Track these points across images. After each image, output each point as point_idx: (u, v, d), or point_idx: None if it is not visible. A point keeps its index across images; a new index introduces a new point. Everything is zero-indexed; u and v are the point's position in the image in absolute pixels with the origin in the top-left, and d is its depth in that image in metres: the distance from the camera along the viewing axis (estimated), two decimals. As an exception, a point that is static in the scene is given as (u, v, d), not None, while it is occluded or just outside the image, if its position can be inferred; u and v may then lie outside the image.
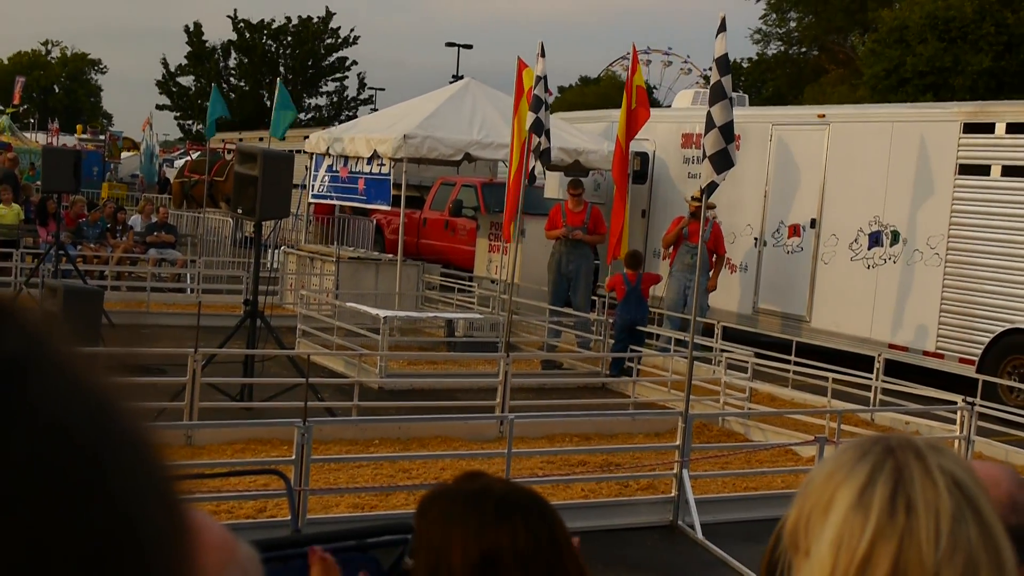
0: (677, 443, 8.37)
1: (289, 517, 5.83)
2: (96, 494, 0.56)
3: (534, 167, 12.49)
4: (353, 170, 17.22)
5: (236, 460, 8.02)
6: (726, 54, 9.14)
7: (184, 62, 52.71)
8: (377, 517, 7.29)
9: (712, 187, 8.98)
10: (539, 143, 12.08)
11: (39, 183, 19.25)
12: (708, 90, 9.35)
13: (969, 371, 13.29)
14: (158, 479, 0.62)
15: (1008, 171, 13.60)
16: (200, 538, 1.53)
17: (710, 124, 8.85)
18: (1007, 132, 13.65)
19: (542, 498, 2.30)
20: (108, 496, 0.57)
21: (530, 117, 12.10)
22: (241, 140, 30.56)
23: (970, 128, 14.03)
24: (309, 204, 21.36)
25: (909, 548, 1.39)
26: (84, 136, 47.09)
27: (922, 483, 1.43)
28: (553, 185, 19.74)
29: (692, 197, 15.31)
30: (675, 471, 8.29)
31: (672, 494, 8.27)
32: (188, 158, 27.39)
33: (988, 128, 13.88)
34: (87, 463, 0.57)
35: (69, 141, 45.07)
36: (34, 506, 0.53)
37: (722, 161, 8.85)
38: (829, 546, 1.43)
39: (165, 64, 52.89)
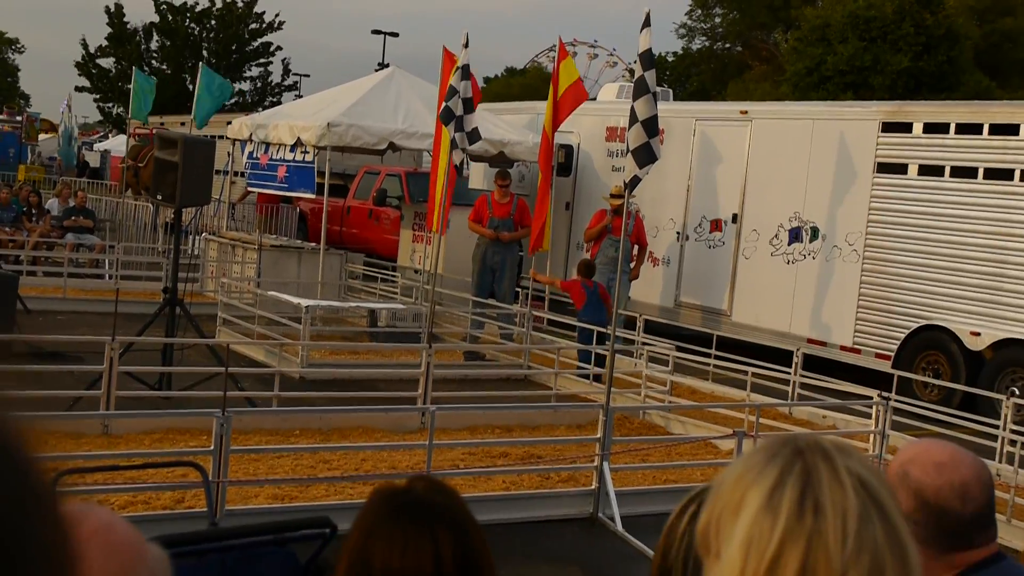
0: (598, 436, 8.41)
1: (207, 508, 5.77)
2: None
3: (461, 160, 12.45)
4: (274, 157, 17.06)
5: (154, 451, 7.91)
6: (650, 49, 9.17)
7: (105, 43, 51.83)
8: (296, 509, 7.24)
9: (635, 181, 9.02)
10: (453, 137, 12.05)
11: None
12: (632, 84, 9.38)
13: (885, 366, 13.51)
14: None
15: (924, 170, 13.84)
16: (106, 538, 1.50)
17: (634, 118, 8.89)
18: (924, 132, 13.89)
19: (466, 510, 2.32)
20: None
21: (443, 107, 12.10)
22: (162, 124, 30.14)
23: (888, 127, 14.26)
24: (248, 192, 21.12)
25: (817, 549, 1.41)
26: (1, 117, 46.18)
27: (830, 485, 1.45)
28: (478, 175, 19.75)
29: (611, 194, 15.41)
30: (596, 464, 8.33)
31: (593, 486, 8.31)
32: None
33: (906, 127, 14.11)
34: None
35: (-15, 122, 44.18)
36: None
37: (645, 155, 8.89)
38: (739, 547, 1.44)
39: (85, 45, 51.98)
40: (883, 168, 14.26)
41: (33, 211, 19.64)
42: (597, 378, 12.14)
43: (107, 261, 18.31)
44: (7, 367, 9.84)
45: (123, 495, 7.10)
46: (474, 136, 12.24)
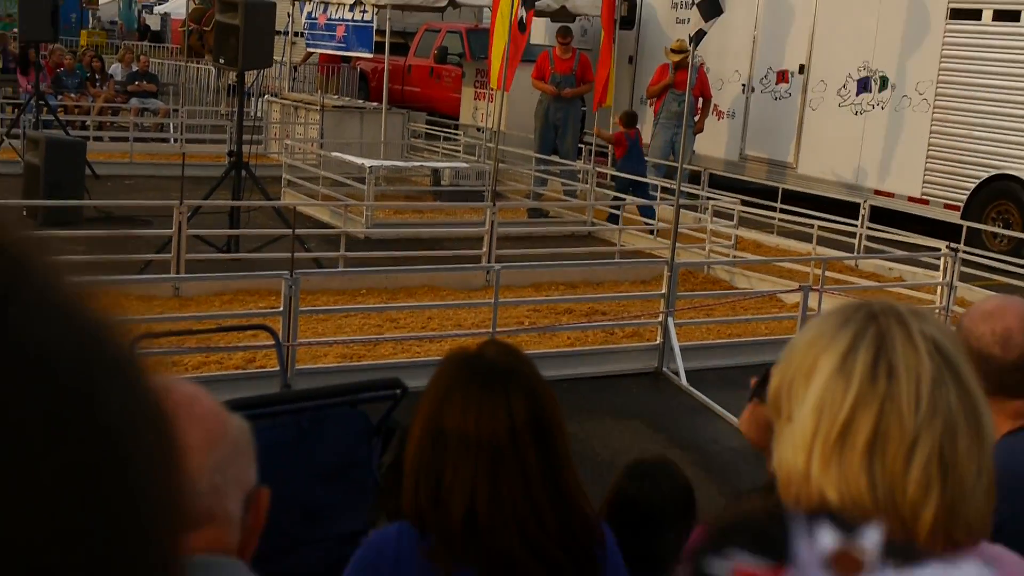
0: (663, 291, 8.43)
1: (278, 368, 5.89)
2: (84, 430, 0.55)
3: (522, 16, 12.25)
4: (332, 17, 16.93)
5: (224, 313, 8.05)
6: None
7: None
8: (365, 367, 7.37)
9: (700, 35, 8.87)
10: None
11: (15, 31, 18.88)
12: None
13: (954, 217, 13.33)
14: (149, 408, 0.61)
15: (999, 15, 13.42)
16: (191, 409, 1.56)
17: (698, -31, 8.70)
18: (999, -25, 13.44)
19: (537, 373, 2.36)
20: (97, 431, 0.56)
21: None
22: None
23: (962, -29, 13.80)
24: (310, 54, 21.04)
25: (890, 412, 1.42)
26: (60, -18, 46.05)
27: (903, 348, 1.45)
28: (539, 31, 19.45)
29: (671, 49, 15.17)
30: (660, 319, 8.37)
31: (657, 341, 8.36)
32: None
33: (980, -29, 13.65)
34: (73, 397, 0.56)
35: (45, -13, 44.12)
36: (19, 444, 0.52)
37: (711, 8, 8.73)
38: (811, 411, 1.45)
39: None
40: (956, 14, 13.84)
41: (97, 76, 19.72)
42: (661, 233, 12.11)
43: (171, 125, 18.41)
44: (79, 232, 10.02)
45: (196, 356, 7.26)
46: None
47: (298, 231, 8.92)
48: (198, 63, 22.28)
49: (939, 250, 9.97)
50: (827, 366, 1.46)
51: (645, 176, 13.87)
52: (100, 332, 0.62)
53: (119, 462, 0.56)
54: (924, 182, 14.15)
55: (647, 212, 12.99)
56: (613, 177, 13.83)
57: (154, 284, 8.74)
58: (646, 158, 14.65)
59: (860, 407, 1.42)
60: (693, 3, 8.84)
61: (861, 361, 1.45)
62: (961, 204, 13.64)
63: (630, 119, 13.96)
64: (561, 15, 17.07)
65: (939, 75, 13.99)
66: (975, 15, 13.66)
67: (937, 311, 9.42)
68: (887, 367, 1.43)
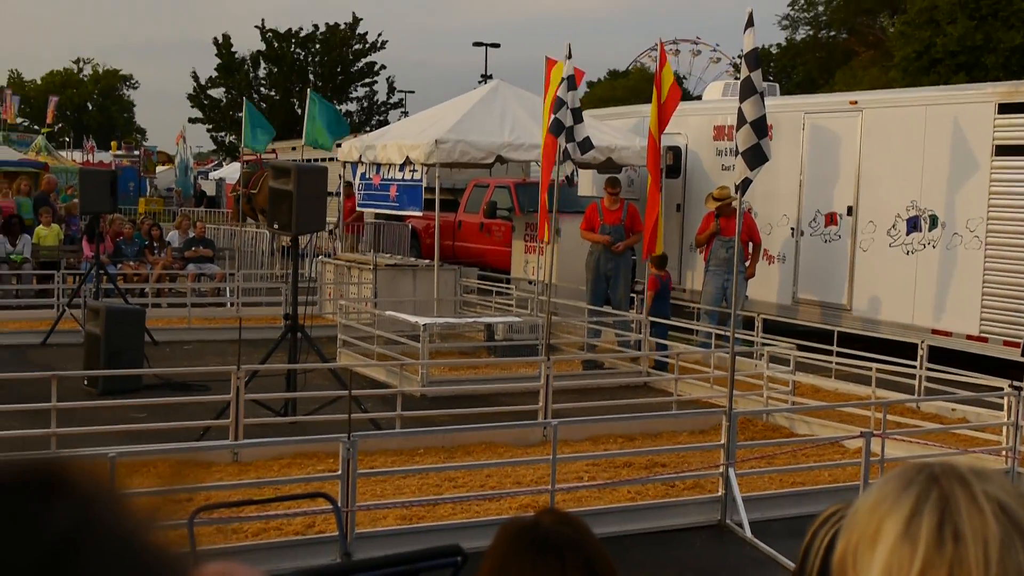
0: (722, 441, 8.34)
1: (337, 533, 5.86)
2: None
3: (573, 171, 12.41)
4: (386, 177, 17.28)
5: (283, 479, 8.04)
6: (756, 48, 9.10)
7: (214, 74, 52.94)
8: (425, 528, 7.31)
9: (746, 183, 8.93)
10: (564, 147, 12.05)
11: (75, 201, 19.40)
12: (738, 81, 9.30)
13: (1015, 354, 13.17)
14: None
15: (1045, 150, 13.46)
16: None
17: (742, 120, 8.81)
18: (1043, 111, 13.51)
19: (595, 541, 2.33)
20: None
21: (551, 119, 12.13)
22: (273, 151, 30.67)
23: (1005, 108, 13.89)
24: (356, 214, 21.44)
25: None
26: (119, 152, 47.52)
27: (968, 511, 1.43)
28: (587, 183, 19.73)
29: (712, 196, 15.35)
30: (721, 470, 8.26)
31: (719, 493, 8.24)
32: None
33: (1023, 108, 13.73)
34: None
35: (105, 158, 45.45)
36: None
37: (756, 157, 8.81)
38: None
39: (195, 77, 53.12)
40: (1002, 150, 13.90)
41: (155, 244, 20.15)
42: (718, 381, 12.05)
43: (228, 289, 18.70)
44: (139, 400, 10.12)
45: (255, 523, 7.24)
46: (586, 145, 12.21)
47: (354, 392, 8.96)
48: (255, 227, 22.74)
49: (1002, 389, 9.82)
50: (892, 531, 1.44)
51: (668, 317, 14.28)
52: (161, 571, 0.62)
53: None
54: (981, 319, 14.02)
55: (662, 347, 13.57)
56: (652, 323, 13.91)
57: (213, 451, 8.77)
58: (699, 305, 14.71)
59: (928, 573, 1.40)
60: (738, 152, 8.91)
61: (926, 525, 1.42)
62: (1021, 341, 13.49)
63: (661, 262, 14.27)
64: (607, 166, 17.32)
65: (989, 211, 13.98)
66: (1021, 151, 13.70)
67: (1003, 452, 9.24)
68: (952, 531, 1.41)
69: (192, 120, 52.79)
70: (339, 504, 6.46)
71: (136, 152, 46.89)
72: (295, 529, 7.30)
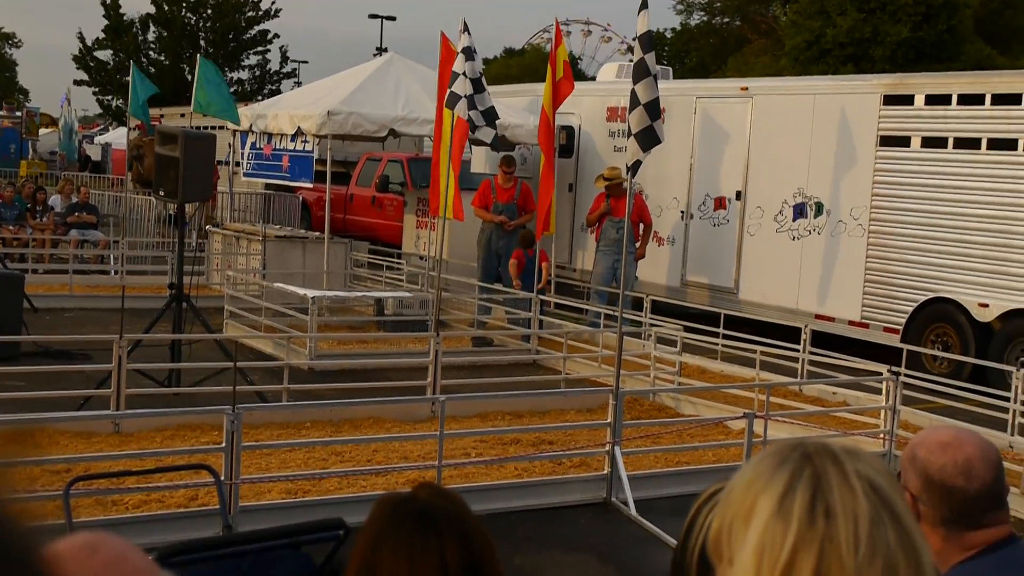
0: (609, 420, 8.40)
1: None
2: None
3: (494, 137, 12.34)
4: (277, 147, 17.05)
5: (165, 450, 7.91)
6: (649, 31, 9.14)
7: (102, 36, 51.67)
8: (310, 503, 7.25)
9: (637, 165, 9.00)
10: (468, 116, 11.95)
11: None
12: (631, 63, 9.35)
13: (894, 340, 13.49)
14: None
15: (927, 142, 13.79)
16: (121, 569, 1.50)
17: (635, 101, 8.85)
18: (926, 104, 13.84)
19: (471, 516, 2.32)
20: None
21: (448, 94, 12.05)
22: (162, 116, 30.08)
23: (890, 100, 14.20)
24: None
25: (830, 554, 1.42)
26: (0, 113, 46.15)
27: (840, 489, 1.46)
28: (480, 160, 19.71)
29: (602, 176, 15.48)
30: (607, 448, 8.33)
31: (605, 471, 8.31)
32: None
33: (907, 100, 14.05)
34: None
35: (-15, 118, 44.11)
36: None
37: (648, 138, 8.87)
38: (752, 554, 1.45)
39: (82, 38, 51.77)
40: (886, 141, 14.21)
41: (39, 208, 19.64)
42: (605, 360, 12.14)
43: (112, 256, 18.31)
44: (16, 368, 9.86)
45: (136, 495, 7.11)
46: (490, 115, 12.11)
47: (240, 364, 8.84)
48: (138, 193, 22.29)
49: (881, 374, 10.06)
50: (766, 508, 1.46)
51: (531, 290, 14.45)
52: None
53: None
54: (863, 306, 14.35)
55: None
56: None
57: (93, 420, 8.58)
58: (589, 285, 14.84)
59: (800, 549, 1.43)
60: (630, 133, 8.96)
61: (799, 502, 1.45)
62: (900, 327, 13.83)
63: (524, 241, 14.79)
64: (501, 144, 17.30)
65: (872, 200, 14.29)
66: (904, 142, 14.02)
67: (881, 435, 9.47)
68: (824, 508, 1.44)
69: (77, 82, 51.48)
70: (222, 477, 6.38)
71: (18, 113, 45.54)
72: (177, 502, 7.18)
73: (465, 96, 11.84)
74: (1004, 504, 2.69)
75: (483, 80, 12.13)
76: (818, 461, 1.48)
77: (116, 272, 17.27)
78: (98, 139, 49.17)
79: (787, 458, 1.50)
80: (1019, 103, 12.91)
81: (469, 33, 12.08)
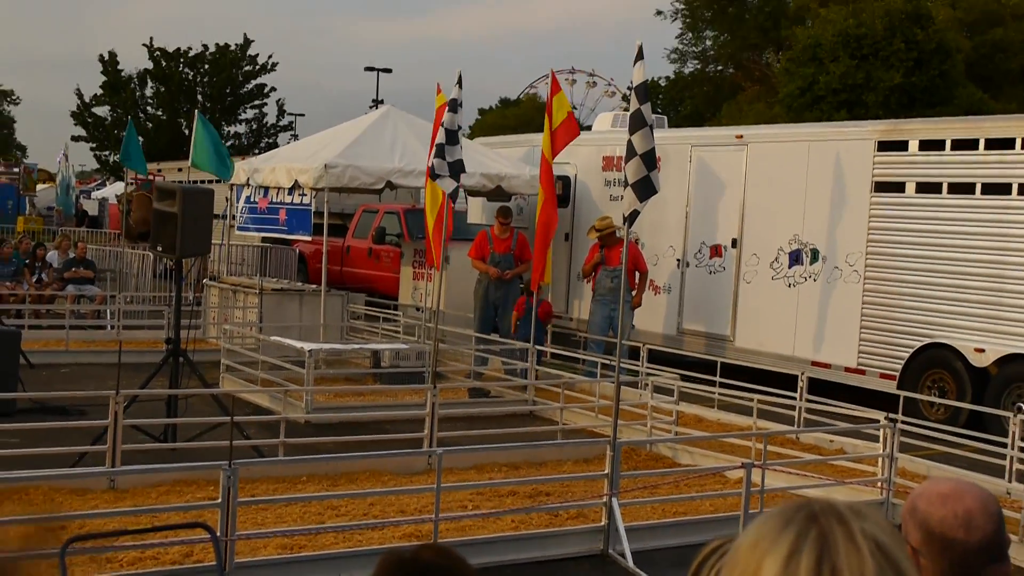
0: (606, 471, 8.37)
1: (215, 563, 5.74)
2: None
3: (455, 189, 12.39)
4: (274, 201, 17.09)
5: (161, 507, 7.87)
6: (645, 82, 9.19)
7: (99, 92, 51.97)
8: (306, 559, 7.22)
9: (635, 215, 9.02)
10: (431, 164, 12.12)
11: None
12: (628, 113, 9.40)
13: (890, 386, 13.48)
14: None
15: (922, 187, 13.84)
16: None
17: (631, 152, 8.90)
18: (920, 149, 13.90)
19: (471, 570, 2.31)
20: None
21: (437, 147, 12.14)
22: (159, 171, 30.19)
23: (884, 146, 14.27)
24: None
25: None
26: (-2, 169, 46.26)
27: (846, 549, 1.44)
28: (476, 210, 19.77)
29: (594, 227, 15.53)
30: (604, 499, 8.29)
31: (602, 522, 8.27)
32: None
33: (902, 146, 14.12)
34: None
35: (-17, 175, 44.22)
36: None
37: (645, 188, 8.90)
38: None
39: (80, 94, 52.13)
40: (881, 187, 14.26)
41: (38, 264, 19.66)
42: (603, 410, 12.12)
43: (109, 311, 18.30)
44: (12, 425, 9.83)
45: (131, 552, 7.06)
46: (456, 167, 12.15)
47: (237, 418, 8.82)
48: (134, 248, 22.32)
49: (878, 421, 10.04)
50: (771, 569, 1.45)
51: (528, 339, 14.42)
52: None
53: None
54: (860, 352, 14.34)
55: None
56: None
57: (89, 478, 8.55)
58: (585, 335, 14.86)
59: None
60: (627, 183, 9.00)
61: (805, 563, 1.44)
62: (897, 374, 13.82)
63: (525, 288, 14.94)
64: (497, 194, 17.38)
65: (868, 247, 14.32)
66: (899, 188, 14.08)
67: (879, 483, 9.43)
68: (831, 568, 1.43)
69: (75, 138, 51.76)
70: (218, 532, 6.35)
71: (16, 169, 45.66)
72: (172, 559, 7.13)
73: (436, 144, 12.03)
74: (1006, 556, 2.68)
75: (459, 134, 12.23)
76: (824, 521, 1.47)
77: (112, 327, 17.27)
78: (95, 194, 49.27)
79: (792, 518, 1.49)
80: (1013, 147, 12.98)
81: (460, 86, 12.18)
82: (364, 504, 8.66)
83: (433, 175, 12.21)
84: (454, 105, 12.10)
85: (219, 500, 7.00)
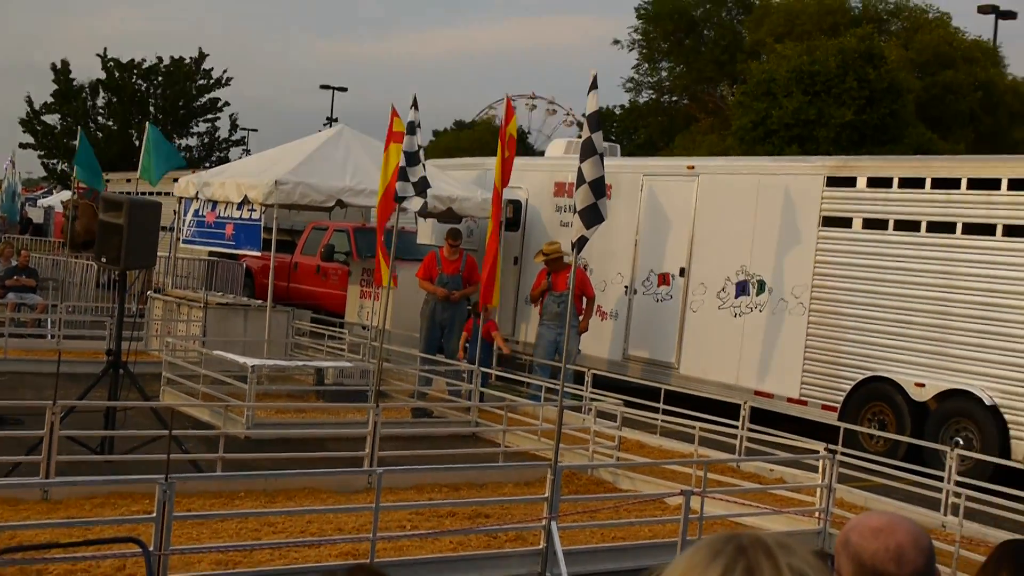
0: (546, 494, 8.35)
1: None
2: None
3: (423, 205, 12.41)
4: (221, 215, 16.98)
5: (94, 519, 7.76)
6: (598, 110, 9.22)
7: (50, 100, 51.47)
8: (241, 575, 7.13)
9: (582, 242, 9.03)
10: (395, 188, 12.11)
11: None
12: (580, 140, 9.43)
13: (831, 418, 13.57)
14: None
15: (869, 223, 13.99)
16: None
17: (581, 179, 8.92)
18: (868, 186, 14.06)
19: None
20: None
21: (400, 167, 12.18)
22: (108, 181, 29.90)
23: (833, 181, 14.42)
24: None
25: None
26: (-57, 174, 45.62)
27: None
28: (426, 232, 19.74)
29: (541, 252, 15.59)
30: (544, 523, 8.27)
31: (541, 545, 8.24)
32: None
33: (850, 182, 14.28)
34: None
35: (-73, 179, 43.59)
36: None
37: (592, 216, 8.92)
38: None
39: (30, 102, 51.56)
40: (828, 222, 14.40)
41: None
42: (545, 433, 12.11)
43: (49, 320, 18.08)
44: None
45: (62, 564, 6.95)
46: (421, 185, 12.18)
47: (176, 432, 8.72)
48: (77, 257, 22.08)
49: (818, 452, 10.10)
50: None
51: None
52: None
53: None
54: (802, 383, 14.45)
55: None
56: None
57: (21, 488, 8.41)
58: (531, 358, 14.89)
59: None
60: (575, 210, 9.02)
61: None
62: (838, 405, 13.93)
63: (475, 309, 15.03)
64: (448, 216, 17.36)
65: (814, 280, 14.45)
66: (846, 223, 14.22)
67: (817, 513, 9.48)
68: None
69: (23, 145, 51.16)
70: (151, 547, 6.26)
71: (-39, 175, 45.13)
72: (104, 572, 7.03)
73: (399, 168, 12.05)
74: None
75: (420, 154, 12.24)
76: (752, 554, 1.48)
77: (53, 336, 17.05)
78: (41, 202, 48.76)
79: (721, 551, 1.50)
80: (958, 187, 13.15)
81: (417, 108, 12.19)
82: (302, 521, 8.59)
83: (397, 199, 12.20)
84: (412, 128, 12.12)
85: (154, 514, 6.91)
